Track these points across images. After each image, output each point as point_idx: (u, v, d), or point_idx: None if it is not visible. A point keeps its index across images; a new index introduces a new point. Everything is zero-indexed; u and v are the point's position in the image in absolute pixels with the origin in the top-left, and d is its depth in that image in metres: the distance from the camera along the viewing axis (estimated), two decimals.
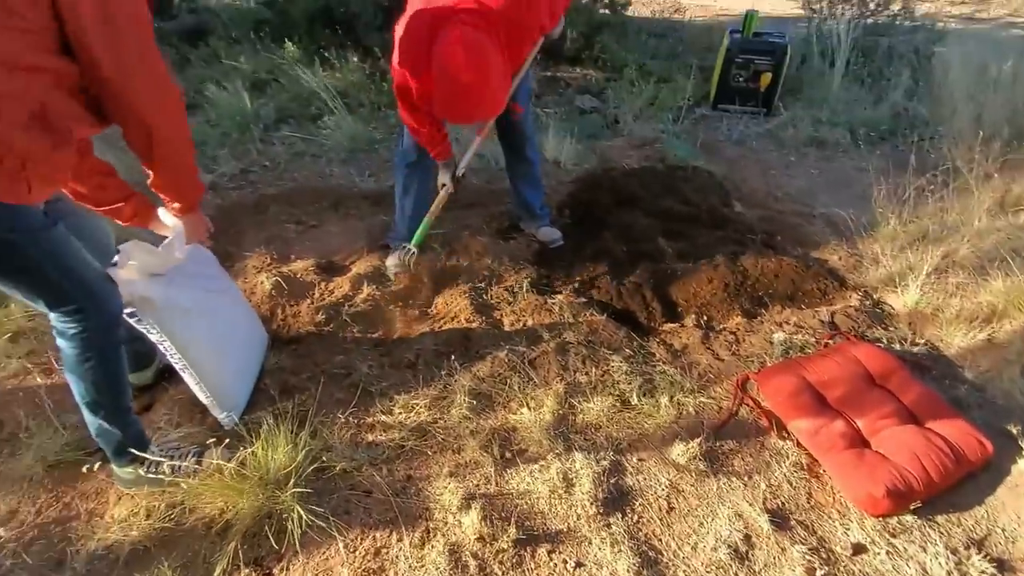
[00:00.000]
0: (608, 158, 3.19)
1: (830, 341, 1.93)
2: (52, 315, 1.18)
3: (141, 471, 1.38)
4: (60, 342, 1.22)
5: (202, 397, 1.51)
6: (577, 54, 4.50)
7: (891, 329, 2.04)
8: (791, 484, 1.51)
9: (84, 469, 1.36)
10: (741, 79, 3.77)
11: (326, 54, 3.84)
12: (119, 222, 1.39)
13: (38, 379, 1.72)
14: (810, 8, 4.82)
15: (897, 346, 1.96)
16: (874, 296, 2.20)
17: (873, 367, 1.77)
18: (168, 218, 1.38)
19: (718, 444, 1.60)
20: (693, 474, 1.51)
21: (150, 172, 1.18)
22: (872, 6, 4.70)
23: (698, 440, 1.58)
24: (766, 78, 3.72)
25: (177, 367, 1.46)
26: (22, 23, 0.89)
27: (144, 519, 1.37)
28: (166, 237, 1.37)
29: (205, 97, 3.41)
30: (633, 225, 2.49)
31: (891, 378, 1.74)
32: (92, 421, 1.31)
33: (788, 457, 1.58)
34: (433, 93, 1.60)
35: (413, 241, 2.04)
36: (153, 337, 1.40)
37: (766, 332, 1.98)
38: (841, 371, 1.74)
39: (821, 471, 1.54)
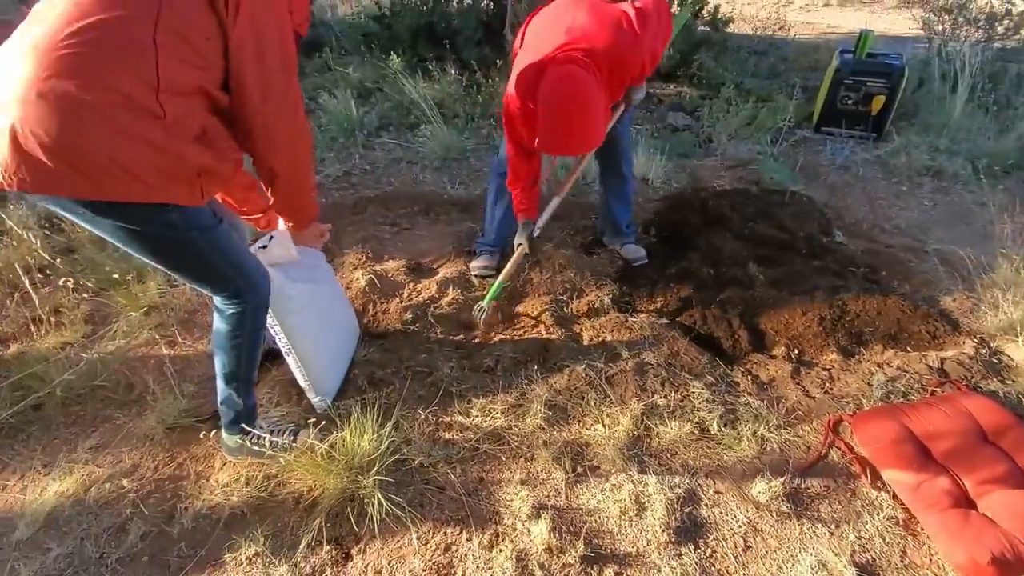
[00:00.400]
0: (699, 178, 3.12)
1: (938, 389, 1.78)
2: (216, 298, 1.34)
3: (246, 441, 1.51)
4: (217, 320, 1.37)
5: (300, 380, 1.64)
6: (672, 70, 4.43)
7: (1008, 382, 1.84)
8: (884, 539, 1.40)
9: (201, 436, 1.52)
10: (850, 101, 3.56)
11: (428, 66, 4.04)
12: (256, 228, 1.56)
13: (164, 349, 1.93)
14: (931, 29, 4.47)
15: (1015, 401, 1.77)
16: (991, 344, 2.00)
17: (986, 422, 1.61)
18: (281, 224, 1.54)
19: (804, 486, 1.52)
20: (774, 514, 1.44)
21: (270, 196, 1.33)
22: (1001, 29, 4.29)
23: (782, 479, 1.50)
24: (878, 101, 3.49)
25: (283, 350, 1.59)
26: (200, 61, 1.03)
27: (244, 486, 1.50)
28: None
29: (318, 104, 3.69)
30: (722, 248, 2.41)
31: (1006, 436, 1.58)
32: (223, 390, 1.46)
33: (882, 509, 1.47)
34: (536, 126, 1.66)
35: (486, 300, 2.05)
36: (267, 321, 1.54)
37: (864, 373, 1.86)
38: (949, 423, 1.59)
39: (919, 528, 1.42)
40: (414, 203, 2.86)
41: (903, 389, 1.79)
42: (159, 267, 1.25)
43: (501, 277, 2.06)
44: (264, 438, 1.50)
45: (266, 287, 1.39)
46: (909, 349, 1.96)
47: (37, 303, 1.95)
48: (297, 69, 1.17)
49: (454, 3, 5.04)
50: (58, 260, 2.07)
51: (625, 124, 2.12)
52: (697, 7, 4.59)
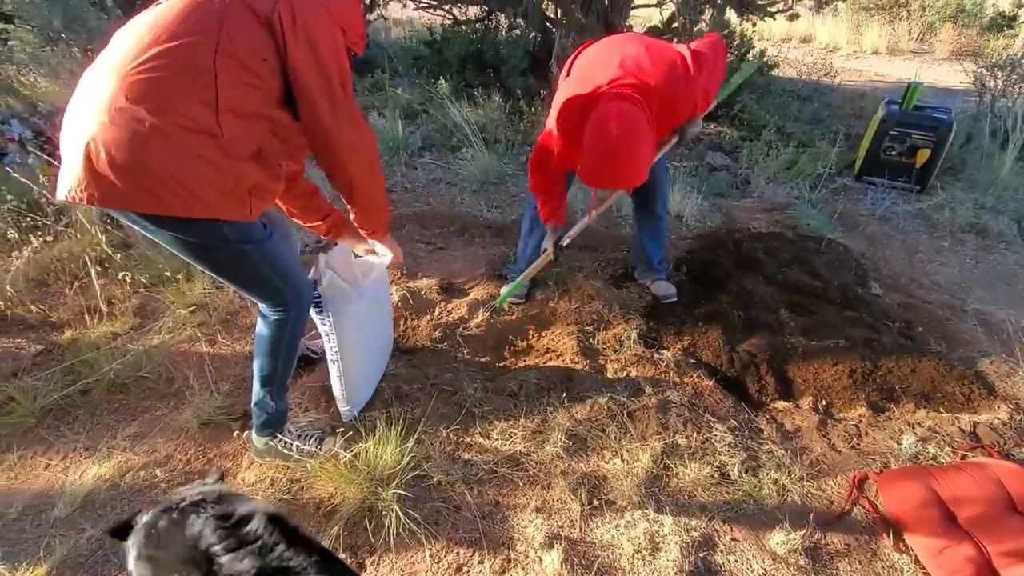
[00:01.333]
0: (734, 219, 3.13)
1: (969, 453, 1.73)
2: (262, 305, 1.41)
3: (274, 443, 1.57)
4: (261, 325, 1.45)
5: (336, 389, 1.69)
6: (713, 110, 4.45)
7: None
8: None
9: (234, 434, 1.58)
10: (894, 152, 3.53)
11: (473, 92, 4.18)
12: (319, 235, 1.66)
13: (204, 347, 2.02)
14: (983, 84, 4.42)
15: None
16: None
17: (1017, 491, 1.56)
18: (376, 246, 1.64)
19: (823, 541, 1.49)
20: (791, 568, 1.42)
21: (350, 208, 1.42)
22: None
23: (801, 532, 1.48)
24: (923, 154, 3.45)
25: (329, 357, 1.65)
26: (256, 81, 1.11)
27: (268, 487, 1.55)
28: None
29: (367, 122, 3.84)
30: (753, 292, 2.41)
31: None
32: (258, 392, 1.52)
33: (903, 573, 1.43)
34: (581, 157, 1.67)
35: (500, 300, 2.08)
36: (323, 328, 1.62)
37: (894, 430, 1.82)
38: (978, 489, 1.55)
39: None
40: (450, 223, 2.94)
41: (933, 451, 1.75)
42: (211, 274, 1.33)
43: (518, 280, 2.09)
44: (291, 442, 1.56)
45: (308, 296, 1.46)
46: (942, 410, 1.91)
47: (98, 292, 2.07)
48: (351, 75, 1.25)
49: (503, 33, 5.22)
50: (117, 255, 2.21)
51: (661, 163, 2.14)
52: (761, 62, 4.60)
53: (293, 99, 1.18)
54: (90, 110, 1.04)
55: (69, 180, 1.05)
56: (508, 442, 1.72)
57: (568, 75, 1.83)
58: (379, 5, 5.09)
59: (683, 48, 1.73)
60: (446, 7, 5.18)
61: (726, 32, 4.22)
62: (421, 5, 5.26)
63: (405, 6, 5.19)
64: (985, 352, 2.22)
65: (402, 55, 5.17)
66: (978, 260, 2.95)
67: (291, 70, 1.14)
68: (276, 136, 1.21)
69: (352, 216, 1.47)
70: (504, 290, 2.10)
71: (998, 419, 1.87)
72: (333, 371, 1.67)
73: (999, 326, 2.31)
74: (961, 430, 1.83)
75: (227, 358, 1.98)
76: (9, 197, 2.33)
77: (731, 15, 4.07)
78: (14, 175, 2.25)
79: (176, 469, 1.62)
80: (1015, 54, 5.13)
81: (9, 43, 4.71)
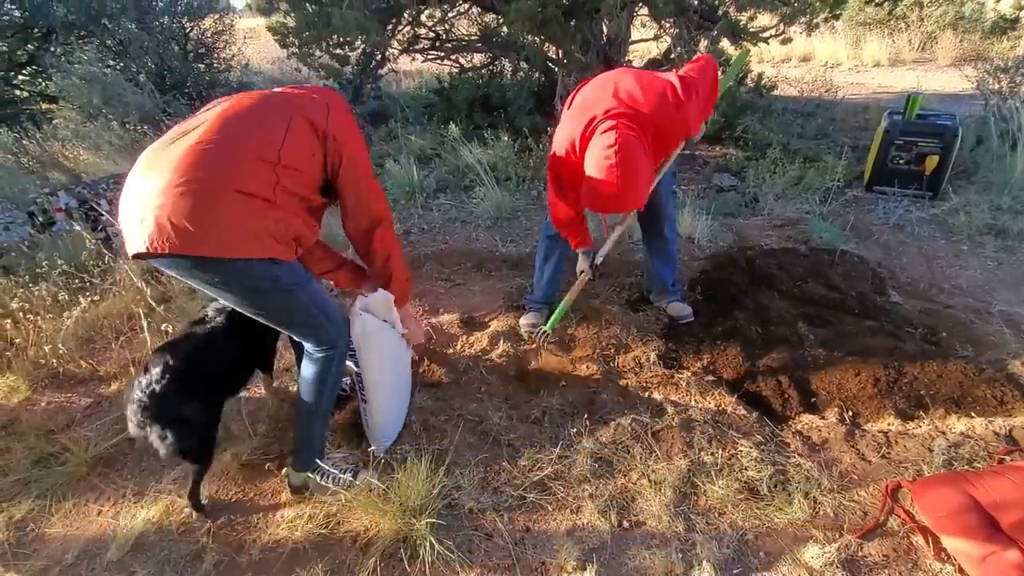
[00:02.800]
0: (745, 237, 3.16)
1: (1006, 457, 1.70)
2: (308, 345, 1.56)
3: (312, 477, 1.63)
4: (306, 365, 1.58)
5: (367, 424, 1.76)
6: (717, 133, 4.56)
7: None
8: None
9: (270, 471, 1.65)
10: (901, 161, 3.55)
11: (483, 133, 4.35)
12: (338, 287, 1.83)
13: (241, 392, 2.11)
14: (986, 88, 4.44)
15: None
16: None
17: None
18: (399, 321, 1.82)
19: (860, 553, 1.47)
20: None
21: (374, 272, 1.70)
22: None
23: (836, 545, 1.47)
24: (932, 161, 3.46)
25: (360, 395, 1.73)
26: (306, 171, 1.40)
27: (306, 522, 1.61)
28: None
29: (383, 169, 4.03)
30: (770, 307, 2.43)
31: None
32: (303, 425, 1.63)
33: None
34: (581, 184, 1.76)
35: (548, 325, 2.18)
36: (357, 368, 1.70)
37: (924, 438, 1.80)
38: (1017, 493, 1.52)
39: None
40: (467, 260, 3.04)
41: (967, 456, 1.72)
42: (266, 320, 1.49)
43: (563, 303, 2.17)
44: (328, 476, 1.62)
45: (348, 337, 1.61)
46: (973, 414, 1.89)
47: (148, 341, 2.20)
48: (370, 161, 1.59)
49: (507, 77, 5.45)
50: (160, 307, 2.34)
51: (667, 186, 2.21)
52: (747, 64, 4.68)
53: (328, 187, 1.50)
54: (164, 178, 1.24)
55: (145, 234, 1.23)
56: (535, 468, 1.75)
57: (568, 108, 1.94)
58: (389, 60, 5.39)
59: (672, 77, 1.82)
60: (453, 57, 5.45)
61: (723, 59, 4.34)
62: (429, 57, 5.55)
63: (414, 59, 5.46)
64: (1015, 353, 2.19)
65: (413, 104, 5.43)
66: (1000, 261, 2.92)
67: (334, 172, 1.47)
68: (309, 209, 1.45)
69: (380, 283, 1.72)
70: (551, 319, 2.20)
71: None
72: (363, 408, 1.74)
73: None
74: (996, 433, 1.80)
75: (261, 401, 2.06)
76: (60, 262, 2.51)
77: (725, 43, 4.20)
78: (63, 241, 2.43)
79: (219, 509, 1.69)
80: (1019, 56, 5.16)
81: (54, 121, 5.10)
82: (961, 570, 1.42)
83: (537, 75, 5.26)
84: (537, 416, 1.94)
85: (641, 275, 2.70)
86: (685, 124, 1.83)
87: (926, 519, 1.53)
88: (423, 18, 4.97)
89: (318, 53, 4.35)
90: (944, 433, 1.82)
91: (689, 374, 2.07)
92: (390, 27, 4.95)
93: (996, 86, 4.41)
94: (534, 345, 2.26)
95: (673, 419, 1.87)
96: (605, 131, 1.68)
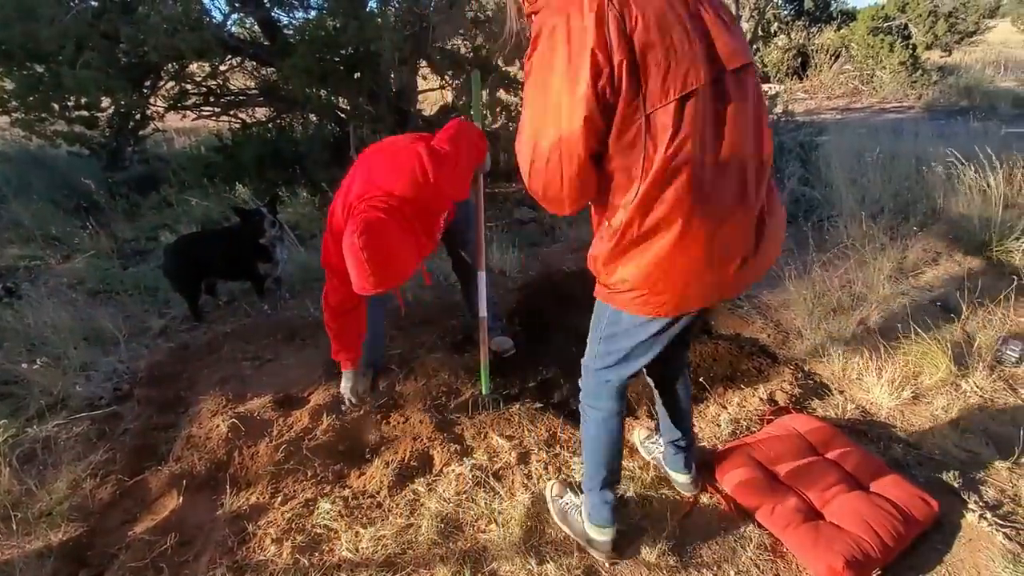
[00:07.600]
0: (549, 263, 3.43)
1: (772, 417, 2.06)
2: None
3: None
4: None
5: None
6: (510, 171, 4.92)
7: (825, 398, 2.19)
8: (759, 568, 1.55)
9: None
10: None
11: (279, 191, 4.07)
12: None
13: None
14: None
15: (832, 413, 2.10)
16: (804, 368, 2.38)
17: (813, 438, 1.89)
18: None
19: (685, 536, 1.64)
20: (664, 571, 1.53)
21: None
22: None
23: (664, 534, 1.61)
24: None
25: None
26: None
27: None
28: None
29: (158, 243, 3.51)
30: (580, 325, 2.63)
31: (831, 446, 1.86)
32: None
33: (752, 540, 1.62)
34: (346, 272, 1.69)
35: (483, 392, 2.19)
36: None
37: (712, 415, 2.10)
38: (785, 445, 1.85)
39: (784, 550, 1.59)
40: (276, 331, 2.78)
41: (746, 423, 2.05)
42: None
43: (483, 362, 2.15)
44: None
45: None
46: (743, 386, 2.26)
47: None
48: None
49: (298, 130, 5.20)
50: None
51: (468, 225, 2.21)
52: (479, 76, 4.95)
53: None
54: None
55: None
56: (379, 548, 1.62)
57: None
58: (153, 119, 4.76)
59: (422, 148, 1.80)
60: (231, 112, 5.04)
61: (500, 108, 4.68)
62: (204, 113, 5.05)
63: (184, 116, 4.91)
64: (762, 328, 2.69)
65: (190, 165, 4.85)
66: None
67: None
68: None
69: None
70: (482, 379, 2.15)
71: (785, 381, 2.26)
72: None
73: (764, 305, 2.83)
74: (760, 398, 2.17)
75: None
76: None
77: (501, 92, 4.59)
78: None
79: None
80: None
81: None
82: (760, 525, 1.66)
83: (330, 126, 5.13)
84: (374, 491, 1.81)
85: (462, 315, 2.74)
86: (444, 193, 1.85)
87: (727, 488, 1.77)
88: (192, 71, 4.52)
89: (51, 119, 3.66)
90: (726, 408, 2.14)
91: (518, 405, 2.14)
92: (148, 83, 4.41)
93: None
94: (361, 411, 2.13)
95: (511, 455, 1.90)
96: (356, 216, 1.65)
